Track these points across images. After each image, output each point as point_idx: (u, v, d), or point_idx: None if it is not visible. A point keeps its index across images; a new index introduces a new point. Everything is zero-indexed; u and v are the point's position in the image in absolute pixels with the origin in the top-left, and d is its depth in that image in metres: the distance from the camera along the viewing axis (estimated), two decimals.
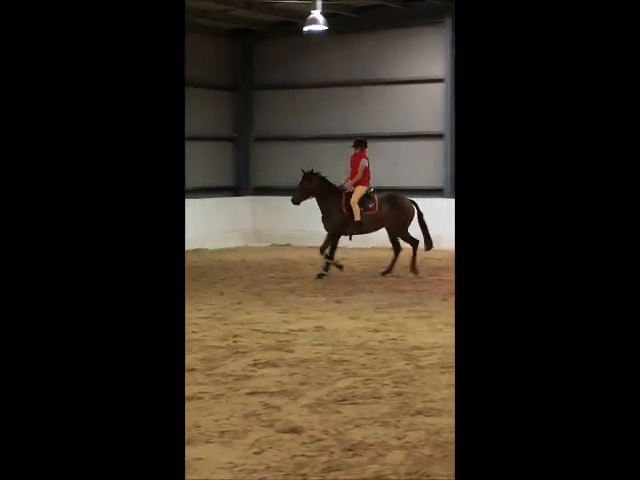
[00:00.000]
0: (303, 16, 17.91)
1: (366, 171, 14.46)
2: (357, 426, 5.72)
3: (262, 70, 22.21)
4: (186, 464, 4.93)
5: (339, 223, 14.36)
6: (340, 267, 14.36)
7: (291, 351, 8.30)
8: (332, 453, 5.19)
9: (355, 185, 14.39)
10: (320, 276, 14.11)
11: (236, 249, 19.42)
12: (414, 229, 14.64)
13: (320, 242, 14.65)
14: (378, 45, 20.52)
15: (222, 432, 5.60)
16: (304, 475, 4.84)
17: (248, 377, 7.18)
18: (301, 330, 9.43)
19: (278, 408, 6.20)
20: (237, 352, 8.23)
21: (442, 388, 6.72)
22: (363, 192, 14.35)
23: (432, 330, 9.44)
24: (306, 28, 17.65)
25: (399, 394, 6.58)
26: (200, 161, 20.35)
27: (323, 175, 14.66)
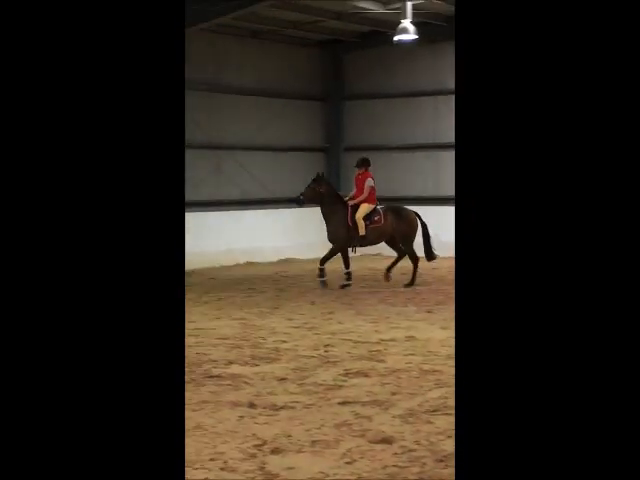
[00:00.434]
0: (393, 25, 17.87)
1: (372, 190, 14.48)
2: (449, 437, 5.66)
3: (352, 80, 22.26)
4: (277, 474, 4.96)
5: (344, 237, 14.39)
6: (321, 272, 14.32)
7: (382, 361, 8.27)
8: (424, 464, 5.15)
9: (360, 204, 14.42)
10: (343, 287, 14.18)
11: None
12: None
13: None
14: None
15: (313, 442, 5.60)
16: None
17: (339, 387, 7.17)
18: (392, 340, 9.40)
19: (369, 418, 6.18)
20: (328, 362, 8.24)
21: None
22: (369, 210, 14.41)
23: None
24: (396, 37, 17.60)
25: None
26: (293, 172, 20.47)
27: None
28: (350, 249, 14.57)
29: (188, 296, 13.48)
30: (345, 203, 14.49)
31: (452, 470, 5.00)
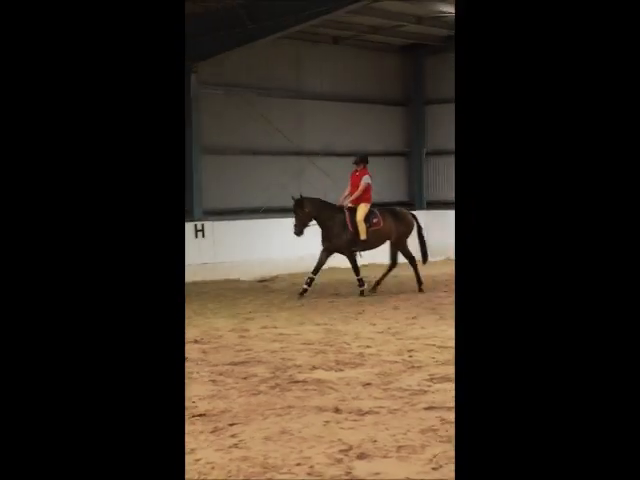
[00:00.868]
0: None
1: (368, 188, 14.28)
2: None
3: (433, 84, 22.20)
4: (363, 479, 4.96)
5: (347, 242, 14.15)
6: (305, 282, 14.08)
7: None
8: None
9: (356, 202, 14.20)
10: (362, 294, 14.05)
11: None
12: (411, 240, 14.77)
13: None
14: None
15: (399, 447, 5.58)
16: None
17: (424, 392, 7.14)
18: None
19: None
20: (412, 367, 8.21)
21: None
22: (367, 210, 14.21)
23: None
24: None
25: None
26: (374, 177, 20.48)
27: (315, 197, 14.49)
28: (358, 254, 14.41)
29: (272, 302, 13.58)
30: (341, 210, 14.22)
31: None
